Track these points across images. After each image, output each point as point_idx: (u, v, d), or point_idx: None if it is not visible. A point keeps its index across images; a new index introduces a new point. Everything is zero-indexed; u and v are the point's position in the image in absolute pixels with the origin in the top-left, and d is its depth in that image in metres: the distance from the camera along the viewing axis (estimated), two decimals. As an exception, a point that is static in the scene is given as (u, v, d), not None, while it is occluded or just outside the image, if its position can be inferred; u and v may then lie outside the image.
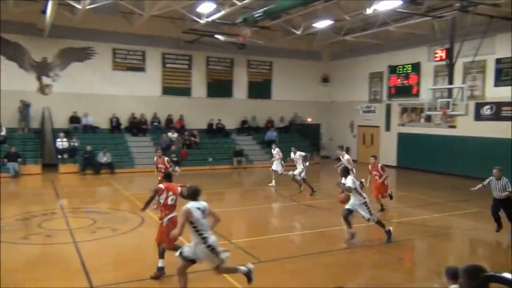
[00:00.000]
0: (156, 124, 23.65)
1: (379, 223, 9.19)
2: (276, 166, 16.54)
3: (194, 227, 5.93)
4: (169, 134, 22.71)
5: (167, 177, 7.82)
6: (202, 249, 5.95)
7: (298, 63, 27.12)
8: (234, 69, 25.91)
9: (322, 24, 20.59)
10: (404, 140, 23.16)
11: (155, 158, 13.40)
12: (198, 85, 24.95)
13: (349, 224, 9.14)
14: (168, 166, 12.67)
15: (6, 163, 18.37)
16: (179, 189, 7.41)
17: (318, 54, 27.65)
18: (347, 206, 9.08)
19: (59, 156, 19.98)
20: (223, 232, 9.91)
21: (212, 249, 5.94)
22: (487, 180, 9.83)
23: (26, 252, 8.73)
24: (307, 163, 15.27)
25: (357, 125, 26.45)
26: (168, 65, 24.18)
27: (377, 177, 11.95)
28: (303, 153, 15.42)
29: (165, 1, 17.66)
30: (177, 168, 20.93)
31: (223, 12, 18.02)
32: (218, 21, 19.71)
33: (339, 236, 9.88)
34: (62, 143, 20.19)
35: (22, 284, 6.76)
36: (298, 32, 22.32)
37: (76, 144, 20.40)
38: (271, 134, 25.07)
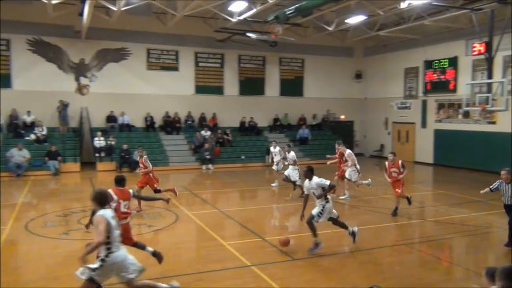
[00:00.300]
0: (189, 122, 23.97)
1: (312, 228, 8.23)
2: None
3: (107, 237, 5.20)
4: (202, 132, 22.98)
5: (118, 181, 7.11)
6: (105, 265, 5.26)
7: (330, 59, 26.86)
8: (266, 67, 25.92)
9: (355, 19, 20.32)
10: (441, 137, 22.55)
11: (137, 157, 12.59)
12: (230, 84, 25.11)
13: (314, 232, 8.23)
14: (147, 165, 11.94)
15: (47, 161, 19.07)
16: (131, 192, 7.01)
17: (351, 50, 27.29)
18: (314, 212, 8.29)
19: (97, 155, 20.56)
20: (256, 230, 9.99)
21: (119, 265, 5.31)
22: (496, 184, 8.75)
23: (66, 247, 9.04)
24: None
25: (391, 121, 25.96)
26: (200, 64, 24.44)
27: (396, 174, 11.24)
28: (295, 157, 14.35)
29: (197, 0, 17.84)
30: (210, 166, 21.23)
31: (254, 10, 18.05)
32: (249, 19, 19.77)
33: (373, 234, 9.75)
34: (99, 141, 20.77)
35: (62, 279, 6.99)
36: (330, 29, 22.10)
37: (113, 142, 20.93)
38: (303, 132, 24.96)
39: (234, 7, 18.56)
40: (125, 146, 20.32)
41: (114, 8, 17.77)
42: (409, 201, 11.67)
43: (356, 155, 25.61)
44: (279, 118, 25.93)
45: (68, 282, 6.80)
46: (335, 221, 8.56)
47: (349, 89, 27.57)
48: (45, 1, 17.29)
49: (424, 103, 23.58)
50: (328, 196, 8.37)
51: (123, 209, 6.88)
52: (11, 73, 20.80)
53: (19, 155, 18.61)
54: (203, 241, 9.58)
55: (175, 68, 23.89)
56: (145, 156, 12.13)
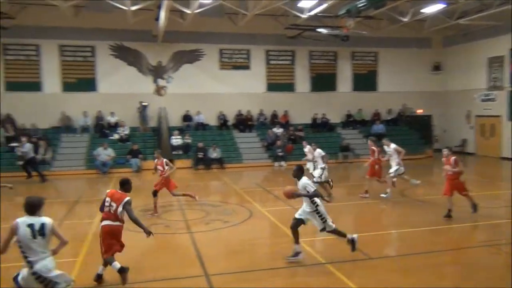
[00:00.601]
0: (261, 120, 24.24)
1: (337, 232, 7.67)
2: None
3: (20, 247, 5.00)
4: (274, 129, 23.13)
5: (121, 184, 7.10)
6: (27, 275, 5.01)
7: (405, 51, 25.80)
8: (337, 62, 25.49)
9: (432, 8, 19.34)
10: (531, 130, 20.82)
11: (155, 159, 12.27)
12: (302, 80, 25.01)
13: (297, 238, 7.60)
14: (167, 168, 11.75)
15: (129, 159, 20.26)
16: (125, 199, 6.84)
17: (428, 41, 25.99)
18: (296, 215, 7.66)
19: (174, 152, 21.47)
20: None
21: (38, 277, 4.98)
22: None
23: (148, 241, 9.52)
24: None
25: (474, 115, 24.40)
26: (271, 62, 24.60)
27: (450, 172, 10.28)
28: (323, 152, 13.31)
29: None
30: (283, 163, 21.31)
31: (325, 5, 17.82)
32: (320, 14, 19.54)
33: (453, 234, 9.25)
34: (176, 140, 21.68)
35: (145, 270, 7.40)
36: (405, 19, 21.22)
37: (189, 141, 21.74)
38: (378, 127, 24.23)
39: (305, 3, 18.46)
40: (200, 144, 21.02)
41: (188, 11, 18.41)
42: (474, 207, 10.41)
43: (436, 150, 24.62)
44: (352, 113, 25.39)
45: (151, 274, 7.20)
46: (298, 222, 7.70)
47: (426, 81, 26.30)
48: (125, 9, 18.34)
49: (511, 95, 21.89)
50: (318, 201, 7.49)
51: (105, 209, 6.84)
52: (96, 78, 22.39)
53: (104, 153, 19.94)
54: (276, 237, 9.67)
55: (247, 67, 24.25)
56: (165, 160, 12.02)
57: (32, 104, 21.26)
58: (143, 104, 22.26)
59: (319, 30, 21.68)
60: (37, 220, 5.07)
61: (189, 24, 20.53)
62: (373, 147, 13.29)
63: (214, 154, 21.09)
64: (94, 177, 19.05)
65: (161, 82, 23.24)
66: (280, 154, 21.43)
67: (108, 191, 7.05)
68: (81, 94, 22.07)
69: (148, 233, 6.86)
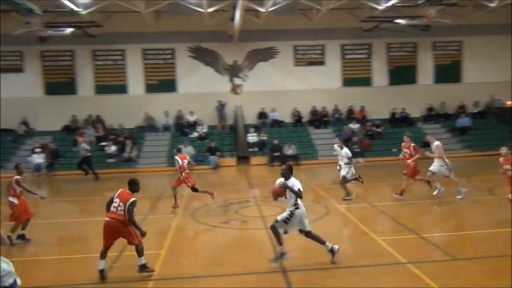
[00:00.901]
0: (337, 116, 23.86)
1: (277, 236, 7.27)
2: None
3: None
4: (351, 125, 22.67)
5: (130, 184, 7.16)
6: None
7: (493, 39, 23.94)
8: (417, 54, 24.38)
9: (524, -10, 17.79)
10: None
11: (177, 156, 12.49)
12: (379, 74, 24.26)
13: (278, 239, 7.28)
14: (186, 167, 12.11)
15: (207, 156, 20.95)
16: (130, 200, 6.89)
17: (519, 26, 23.95)
18: (280, 217, 7.29)
19: (250, 150, 21.85)
20: (411, 226, 9.50)
21: None
22: None
23: (226, 235, 9.82)
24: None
25: None
26: (347, 56, 24.14)
27: (509, 173, 9.29)
28: (350, 153, 12.66)
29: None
30: (360, 159, 20.82)
31: (403, -5, 17.11)
32: (398, 4, 18.80)
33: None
34: (252, 137, 22.04)
35: (226, 264, 7.61)
36: (492, 5, 19.75)
37: (264, 138, 22.00)
38: (463, 121, 22.81)
39: (381, -6, 17.86)
40: (275, 142, 21.17)
41: (262, 10, 18.61)
42: None
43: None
44: (434, 107, 24.13)
45: (231, 268, 7.40)
46: (307, 234, 7.39)
47: (517, 70, 24.26)
48: (202, 11, 18.96)
49: None
50: (299, 203, 7.21)
51: (112, 209, 6.96)
52: (176, 79, 23.43)
53: (185, 151, 20.75)
54: (354, 235, 9.49)
55: (322, 63, 24.00)
56: (176, 156, 12.36)
57: (118, 106, 22.77)
58: (222, 102, 22.90)
59: (397, 21, 20.84)
60: None
61: (263, 22, 20.73)
62: (409, 144, 12.45)
63: (289, 151, 21.13)
64: (176, 174, 19.88)
65: (237, 81, 23.74)
66: (357, 150, 20.94)
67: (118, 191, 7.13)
68: (162, 95, 23.22)
69: (143, 234, 6.99)
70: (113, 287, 6.80)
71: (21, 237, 9.07)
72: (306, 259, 7.89)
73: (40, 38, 19.00)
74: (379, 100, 23.90)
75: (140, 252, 6.94)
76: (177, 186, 12.24)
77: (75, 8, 18.31)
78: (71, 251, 8.96)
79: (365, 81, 24.20)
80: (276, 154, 21.01)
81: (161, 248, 8.46)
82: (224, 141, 22.48)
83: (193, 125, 23.06)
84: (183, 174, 12.10)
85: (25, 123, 22.55)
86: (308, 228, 7.36)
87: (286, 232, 7.28)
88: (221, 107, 22.98)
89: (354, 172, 12.44)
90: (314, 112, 23.84)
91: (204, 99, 22.97)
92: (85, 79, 23.12)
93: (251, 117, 23.76)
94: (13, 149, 21.50)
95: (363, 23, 22.29)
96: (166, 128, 23.01)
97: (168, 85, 23.38)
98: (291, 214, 7.17)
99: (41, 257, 8.42)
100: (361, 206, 11.86)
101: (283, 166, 7.65)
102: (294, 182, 7.23)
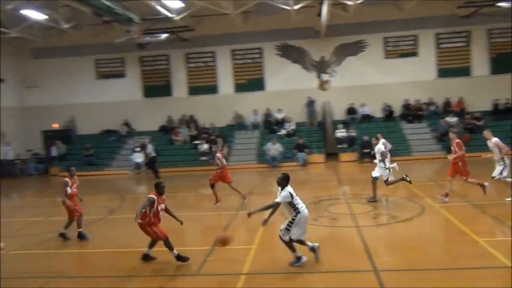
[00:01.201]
0: (432, 109, 22.58)
1: (289, 245, 7.20)
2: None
3: None
4: (447, 118, 21.32)
5: (155, 186, 7.78)
6: None
7: None
8: (524, 38, 22.21)
9: None
10: None
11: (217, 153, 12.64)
12: (479, 62, 22.54)
13: (290, 247, 7.23)
14: (219, 163, 12.18)
15: (296, 153, 21.00)
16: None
17: None
18: (282, 226, 7.23)
19: (339, 146, 21.50)
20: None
21: None
22: None
23: (315, 232, 9.74)
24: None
25: None
26: (442, 46, 22.77)
27: None
28: (383, 148, 11.57)
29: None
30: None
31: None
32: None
33: None
34: (341, 133, 21.67)
35: (310, 262, 7.58)
36: None
37: (353, 134, 21.52)
38: None
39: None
40: (365, 138, 20.58)
41: (350, 3, 18.20)
42: None
43: None
44: (546, 96, 21.83)
45: (321, 266, 7.36)
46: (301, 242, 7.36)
47: None
48: (289, 8, 19.02)
49: None
50: (300, 207, 7.13)
51: (161, 214, 7.73)
52: (264, 77, 23.80)
53: (273, 148, 21.06)
54: (451, 235, 8.93)
55: (414, 54, 22.92)
56: (218, 154, 12.38)
57: (210, 105, 23.70)
58: (311, 99, 22.83)
59: (500, 4, 19.17)
60: None
61: (352, 15, 20.28)
62: (456, 141, 11.13)
63: (380, 146, 20.42)
64: (264, 170, 20.29)
65: (324, 77, 23.47)
66: (455, 145, 19.63)
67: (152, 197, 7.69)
68: (251, 94, 23.73)
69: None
70: (206, 280, 7.12)
71: (80, 235, 9.56)
72: (400, 259, 7.60)
73: (139, 44, 20.44)
74: (480, 90, 22.17)
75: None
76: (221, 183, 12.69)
77: (169, 15, 19.37)
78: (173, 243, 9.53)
79: (464, 71, 22.61)
80: (366, 150, 20.41)
81: (251, 243, 8.66)
82: (312, 137, 22.38)
83: (281, 123, 23.26)
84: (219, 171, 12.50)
85: (127, 124, 24.40)
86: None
87: (291, 240, 7.20)
88: (310, 104, 22.91)
89: (390, 171, 11.57)
90: (406, 106, 22.79)
91: (291, 96, 23.06)
92: (179, 81, 24.40)
93: (339, 113, 23.38)
94: (117, 148, 23.38)
95: (460, 9, 20.81)
96: (255, 126, 23.48)
97: (257, 84, 23.83)
98: (292, 221, 7.14)
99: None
100: (459, 204, 11.11)
101: (280, 175, 7.50)
102: (283, 193, 7.13)
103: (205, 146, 21.74)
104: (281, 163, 20.76)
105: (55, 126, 24.70)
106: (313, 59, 23.40)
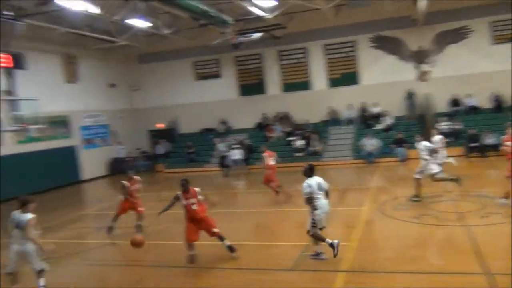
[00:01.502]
0: (550, 97, 20.32)
1: (319, 238, 7.47)
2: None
3: None
4: None
5: (181, 185, 8.12)
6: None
7: None
8: None
9: None
10: None
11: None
12: None
13: (319, 238, 7.49)
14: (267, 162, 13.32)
15: (394, 148, 20.20)
16: (196, 191, 8.20)
17: None
18: (308, 226, 7.59)
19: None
20: None
21: None
22: None
23: (417, 230, 9.34)
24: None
25: None
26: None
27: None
28: (430, 145, 11.42)
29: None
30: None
31: None
32: None
33: None
34: (444, 126, 20.37)
35: (417, 260, 7.26)
36: None
37: (459, 127, 20.15)
38: None
39: None
40: (472, 131, 19.18)
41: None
42: None
43: None
44: None
45: (422, 264, 7.05)
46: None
47: None
48: (382, -1, 18.32)
49: None
50: (318, 203, 7.36)
51: (193, 207, 8.03)
52: (358, 71, 23.21)
53: (369, 143, 20.47)
54: None
55: (530, 36, 20.78)
56: (264, 153, 13.12)
57: (303, 102, 23.71)
58: (410, 92, 21.80)
59: None
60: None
61: (452, 1, 18.93)
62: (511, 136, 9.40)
63: (489, 140, 18.88)
64: (361, 166, 19.82)
65: (423, 67, 22.18)
66: None
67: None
68: (345, 88, 23.27)
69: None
70: (304, 275, 7.17)
71: (137, 227, 10.67)
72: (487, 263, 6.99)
73: (233, 45, 21.13)
74: None
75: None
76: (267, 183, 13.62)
77: (261, 14, 19.71)
78: (263, 238, 9.78)
79: None
80: (474, 144, 19.02)
81: (349, 241, 8.54)
82: (412, 131, 21.24)
83: (377, 117, 22.51)
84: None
85: (224, 122, 25.35)
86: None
87: (321, 229, 7.52)
88: (409, 96, 21.86)
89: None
90: (520, 95, 20.74)
91: (388, 89, 22.19)
92: (272, 79, 24.74)
93: (441, 105, 21.97)
94: (215, 146, 24.38)
95: None
96: (349, 121, 23.01)
97: (351, 78, 23.30)
98: (314, 218, 7.41)
99: (242, 242, 9.31)
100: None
101: (305, 165, 7.74)
102: (304, 184, 7.41)
103: (300, 142, 21.78)
104: (378, 158, 20.12)
105: (160, 126, 26.51)
106: (410, 49, 22.23)
